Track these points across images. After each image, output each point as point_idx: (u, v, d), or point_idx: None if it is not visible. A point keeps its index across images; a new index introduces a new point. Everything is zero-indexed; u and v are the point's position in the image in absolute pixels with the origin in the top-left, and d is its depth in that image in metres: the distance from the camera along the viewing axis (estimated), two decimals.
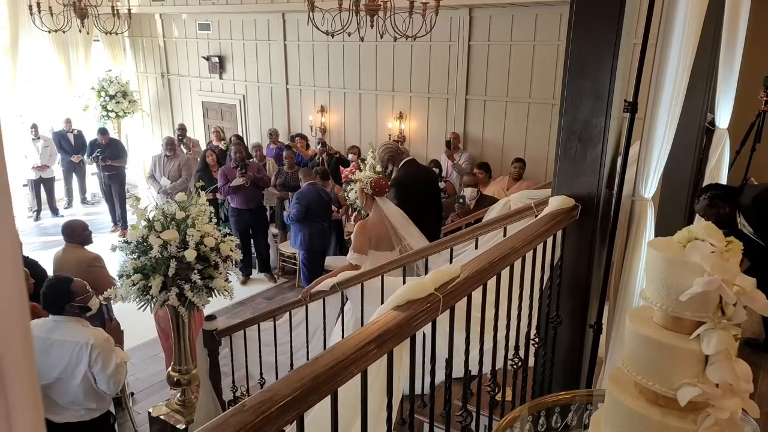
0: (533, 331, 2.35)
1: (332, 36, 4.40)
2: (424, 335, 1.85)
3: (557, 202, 2.31)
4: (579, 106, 2.34)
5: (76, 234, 4.91)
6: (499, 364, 2.09)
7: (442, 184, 6.63)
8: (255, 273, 7.64)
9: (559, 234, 2.33)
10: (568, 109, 2.37)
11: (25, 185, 9.87)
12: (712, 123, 3.78)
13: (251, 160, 7.61)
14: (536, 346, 2.37)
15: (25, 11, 6.85)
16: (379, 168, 5.28)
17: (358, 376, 1.27)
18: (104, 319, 4.12)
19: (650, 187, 2.44)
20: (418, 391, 2.47)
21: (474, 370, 1.94)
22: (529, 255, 2.10)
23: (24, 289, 0.44)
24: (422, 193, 4.22)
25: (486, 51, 7.22)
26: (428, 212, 4.17)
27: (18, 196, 9.94)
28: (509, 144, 7.25)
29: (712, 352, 1.14)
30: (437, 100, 7.74)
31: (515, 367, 2.17)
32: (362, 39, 4.30)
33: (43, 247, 7.58)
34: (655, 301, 1.24)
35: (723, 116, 3.76)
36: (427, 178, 4.46)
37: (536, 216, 2.47)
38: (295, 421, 1.14)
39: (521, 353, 2.21)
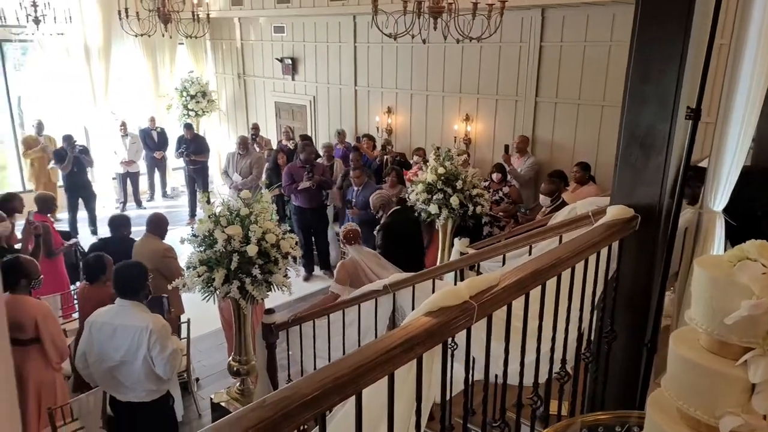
0: (584, 345, 2.26)
1: (395, 39, 4.42)
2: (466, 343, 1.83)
3: (615, 212, 2.21)
4: (642, 111, 2.23)
5: (160, 227, 5.29)
6: (542, 378, 2.03)
7: (506, 189, 6.50)
8: (317, 270, 7.81)
9: (615, 245, 2.23)
10: (629, 113, 2.27)
11: (114, 178, 10.59)
12: None
13: (318, 160, 7.79)
14: (587, 360, 2.28)
15: (115, 16, 7.33)
16: (441, 170, 5.25)
17: (386, 380, 1.28)
18: (164, 311, 4.37)
19: (720, 200, 2.29)
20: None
21: (514, 381, 1.89)
22: (580, 266, 2.02)
23: None
24: (405, 235, 5.40)
25: (558, 52, 7.01)
26: (410, 248, 5.37)
27: (107, 188, 10.69)
28: (580, 148, 7.00)
29: (759, 380, 1.06)
30: (505, 102, 7.59)
31: (562, 381, 2.10)
32: (424, 41, 4.29)
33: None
34: (700, 323, 1.17)
35: None
36: (409, 224, 5.56)
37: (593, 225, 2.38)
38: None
39: (569, 367, 2.13)
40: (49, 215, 6.24)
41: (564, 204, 5.49)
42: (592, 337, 2.33)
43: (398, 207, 5.63)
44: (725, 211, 2.35)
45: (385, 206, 5.58)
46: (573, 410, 2.35)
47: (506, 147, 7.12)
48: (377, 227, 5.72)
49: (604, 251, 2.16)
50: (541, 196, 5.78)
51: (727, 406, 1.09)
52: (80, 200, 8.91)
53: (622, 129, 2.28)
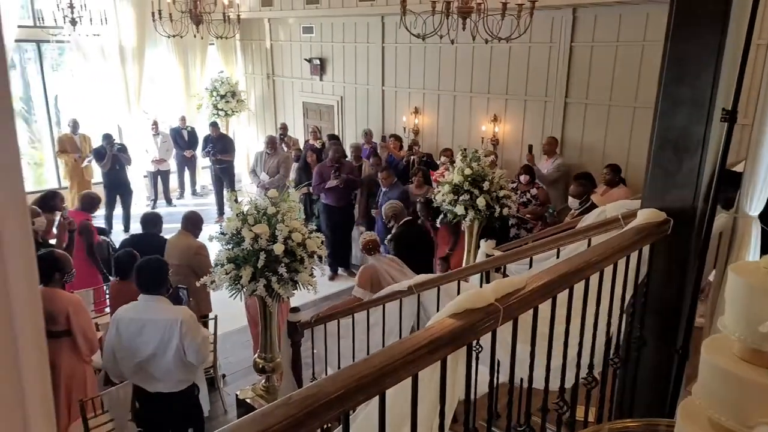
0: (612, 350, 2.22)
1: (423, 39, 4.41)
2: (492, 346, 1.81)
3: (646, 215, 2.16)
4: (676, 113, 2.18)
5: (195, 224, 5.41)
6: (568, 383, 2.00)
7: (533, 191, 6.43)
8: (341, 269, 7.85)
9: (646, 249, 2.19)
10: (663, 115, 2.22)
11: (145, 176, 10.81)
12: None
13: (346, 159, 7.83)
14: (615, 366, 2.24)
15: (149, 18, 7.49)
16: (468, 171, 5.22)
17: (409, 381, 1.28)
18: (183, 303, 4.48)
19: (756, 205, 2.23)
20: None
21: (540, 385, 1.87)
22: (609, 269, 1.99)
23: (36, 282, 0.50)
24: (413, 244, 5.64)
25: (589, 52, 6.90)
26: (418, 256, 5.51)
27: (138, 186, 10.93)
28: (611, 150, 6.88)
29: None
30: (534, 103, 7.51)
31: (589, 386, 2.07)
32: (452, 42, 4.27)
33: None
34: (733, 331, 1.14)
35: None
36: (417, 234, 5.89)
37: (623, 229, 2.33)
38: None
39: (596, 372, 2.10)
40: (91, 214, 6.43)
41: (593, 206, 5.41)
42: (621, 342, 2.29)
43: (409, 218, 5.89)
44: (760, 217, 2.29)
45: (397, 216, 5.78)
46: (600, 416, 2.31)
47: (530, 147, 7.05)
48: (389, 237, 5.88)
49: (634, 255, 2.12)
50: (570, 198, 5.72)
51: (759, 416, 1.06)
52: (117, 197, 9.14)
53: (655, 131, 2.23)
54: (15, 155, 0.48)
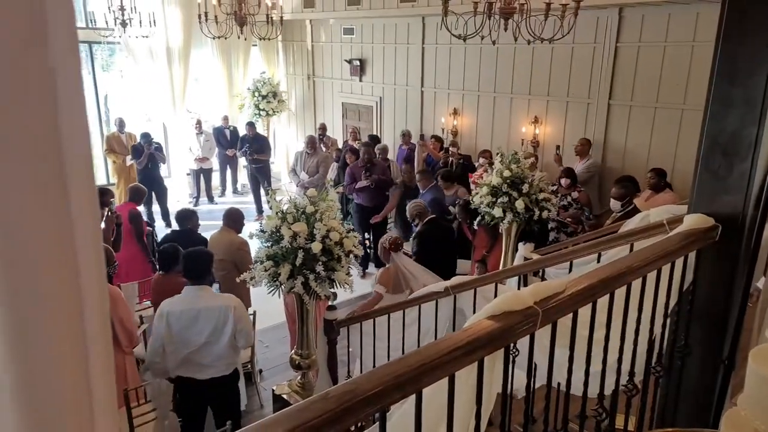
0: (654, 358, 2.16)
1: (464, 40, 4.38)
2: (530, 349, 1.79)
3: (693, 221, 2.09)
4: (726, 115, 2.10)
5: (236, 221, 5.56)
6: (608, 389, 1.96)
7: (574, 194, 6.30)
8: (371, 267, 7.90)
9: (692, 256, 2.12)
10: (713, 117, 2.14)
11: (188, 174, 11.11)
12: None
13: (377, 158, 7.89)
14: (657, 375, 2.18)
15: (195, 20, 7.69)
16: (506, 173, 5.17)
17: (446, 381, 1.28)
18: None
19: None
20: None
21: (578, 391, 1.84)
22: (652, 275, 1.94)
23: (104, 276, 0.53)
24: (438, 241, 5.72)
25: (635, 53, 6.73)
26: (442, 256, 5.62)
27: (181, 183, 11.23)
28: (655, 154, 6.69)
29: None
30: (576, 104, 7.37)
31: (629, 394, 2.02)
32: (494, 42, 4.23)
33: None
34: None
35: None
36: (442, 232, 5.95)
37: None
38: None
39: (637, 380, 2.05)
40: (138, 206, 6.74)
41: (635, 210, 5.27)
42: (664, 351, 2.22)
43: (433, 216, 5.98)
44: None
45: (421, 215, 5.88)
46: (641, 426, 2.25)
47: (557, 147, 6.95)
48: (413, 235, 6.00)
49: (679, 261, 2.06)
50: (612, 201, 5.59)
51: None
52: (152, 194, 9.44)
53: (704, 133, 2.16)
54: (87, 152, 0.51)
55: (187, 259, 3.82)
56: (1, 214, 0.46)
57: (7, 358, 0.48)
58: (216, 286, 4.91)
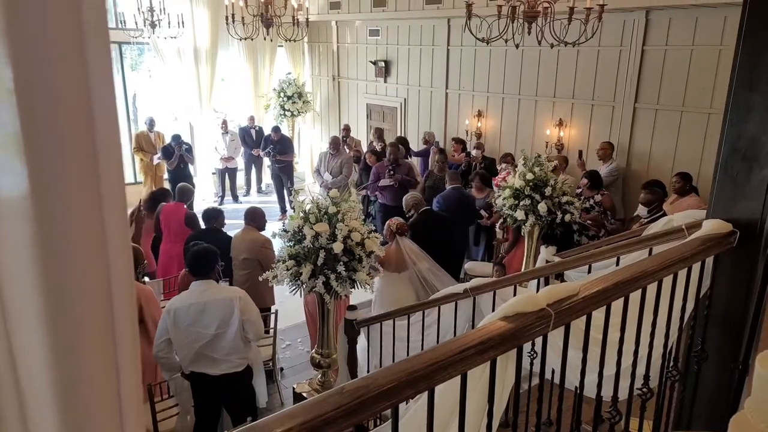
0: (670, 362, 2.17)
1: (488, 43, 4.40)
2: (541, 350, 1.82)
3: (711, 226, 2.10)
4: (746, 121, 2.10)
5: (258, 219, 5.64)
6: (622, 393, 1.98)
7: (597, 197, 6.25)
8: None
9: (709, 261, 2.13)
10: (732, 123, 2.15)
11: (213, 173, 11.30)
12: None
13: (404, 159, 7.95)
14: (673, 379, 2.19)
15: (223, 21, 7.85)
16: (529, 176, 5.17)
17: (458, 379, 1.32)
18: None
19: None
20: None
21: (591, 393, 1.86)
22: (668, 280, 1.95)
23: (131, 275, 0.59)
24: (430, 231, 5.72)
25: (662, 56, 6.66)
26: (435, 243, 5.53)
27: (207, 182, 11.43)
28: (681, 157, 6.61)
29: None
30: (602, 107, 7.31)
31: (644, 397, 2.03)
32: (517, 46, 4.24)
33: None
34: None
35: None
36: (436, 221, 6.01)
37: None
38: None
39: (651, 383, 2.06)
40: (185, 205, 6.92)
41: (664, 216, 5.21)
42: (680, 355, 2.23)
43: (428, 207, 6.13)
44: None
45: (417, 206, 6.04)
46: (656, 430, 2.26)
47: (580, 153, 6.90)
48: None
49: (696, 266, 2.06)
50: (640, 206, 5.54)
51: None
52: None
53: (724, 138, 2.17)
54: (117, 150, 0.56)
55: (192, 256, 3.91)
56: (46, 208, 0.51)
57: (52, 357, 0.54)
58: (224, 283, 4.99)
